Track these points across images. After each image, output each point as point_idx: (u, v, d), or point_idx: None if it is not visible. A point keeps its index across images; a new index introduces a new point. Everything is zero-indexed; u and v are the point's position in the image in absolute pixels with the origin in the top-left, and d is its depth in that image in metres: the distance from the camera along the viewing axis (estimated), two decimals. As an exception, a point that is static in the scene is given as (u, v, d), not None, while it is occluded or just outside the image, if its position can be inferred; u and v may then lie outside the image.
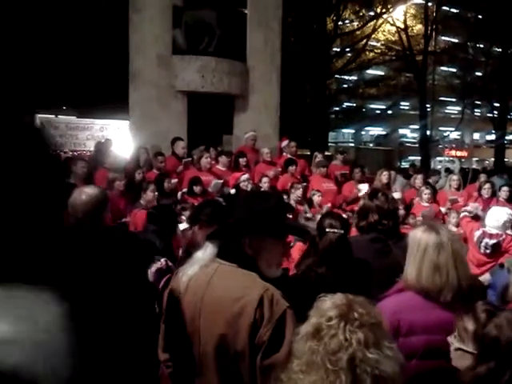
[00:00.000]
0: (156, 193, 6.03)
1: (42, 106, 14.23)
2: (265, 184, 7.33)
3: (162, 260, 3.12)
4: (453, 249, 2.28)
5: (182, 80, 9.33)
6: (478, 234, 4.98)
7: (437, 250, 2.23)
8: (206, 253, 1.89)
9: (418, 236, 2.30)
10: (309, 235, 2.82)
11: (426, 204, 7.47)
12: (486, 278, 4.52)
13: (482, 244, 4.84)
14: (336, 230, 2.80)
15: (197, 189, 6.87)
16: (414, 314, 2.19)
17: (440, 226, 2.45)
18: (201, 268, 1.87)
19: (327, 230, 2.82)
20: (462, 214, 6.13)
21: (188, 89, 9.37)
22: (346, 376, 1.35)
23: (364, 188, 6.83)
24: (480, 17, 24.13)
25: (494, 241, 4.82)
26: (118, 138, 10.88)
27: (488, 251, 4.83)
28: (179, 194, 6.93)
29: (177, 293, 1.91)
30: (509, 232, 4.95)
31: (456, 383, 1.84)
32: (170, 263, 3.14)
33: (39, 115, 12.72)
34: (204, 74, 9.27)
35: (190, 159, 7.97)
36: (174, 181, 7.13)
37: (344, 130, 36.19)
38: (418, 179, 8.61)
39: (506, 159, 26.70)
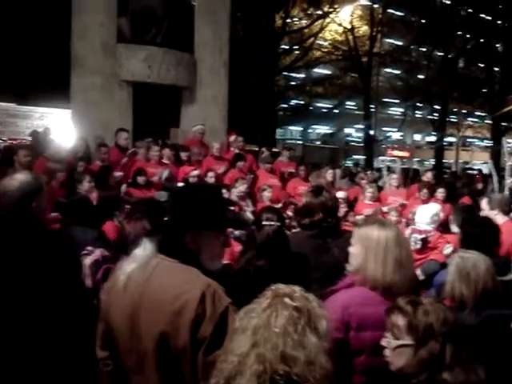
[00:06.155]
0: (92, 183, 5.78)
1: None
2: (211, 179, 7.21)
3: (97, 251, 3.01)
4: (407, 243, 2.33)
5: (126, 69, 9.08)
6: (408, 232, 5.26)
7: (397, 246, 2.25)
8: (145, 249, 1.83)
9: (375, 233, 2.28)
10: (248, 227, 2.84)
11: (370, 202, 7.62)
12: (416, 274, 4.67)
13: (412, 239, 5.08)
14: (273, 223, 2.84)
15: (141, 179, 6.72)
16: (365, 309, 2.18)
17: (389, 222, 2.48)
18: (140, 265, 1.81)
19: (264, 222, 2.86)
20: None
21: (133, 79, 9.14)
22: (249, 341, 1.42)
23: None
24: (423, 21, 24.93)
25: (422, 236, 5.12)
26: (58, 126, 10.45)
27: (418, 246, 5.09)
28: (123, 186, 6.74)
29: (114, 291, 1.84)
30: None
31: (401, 378, 1.86)
32: (106, 253, 3.02)
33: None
34: (150, 64, 9.07)
35: (133, 150, 7.75)
36: (119, 174, 6.94)
37: (292, 128, 36.60)
38: (364, 178, 8.81)
39: (444, 160, 27.82)
